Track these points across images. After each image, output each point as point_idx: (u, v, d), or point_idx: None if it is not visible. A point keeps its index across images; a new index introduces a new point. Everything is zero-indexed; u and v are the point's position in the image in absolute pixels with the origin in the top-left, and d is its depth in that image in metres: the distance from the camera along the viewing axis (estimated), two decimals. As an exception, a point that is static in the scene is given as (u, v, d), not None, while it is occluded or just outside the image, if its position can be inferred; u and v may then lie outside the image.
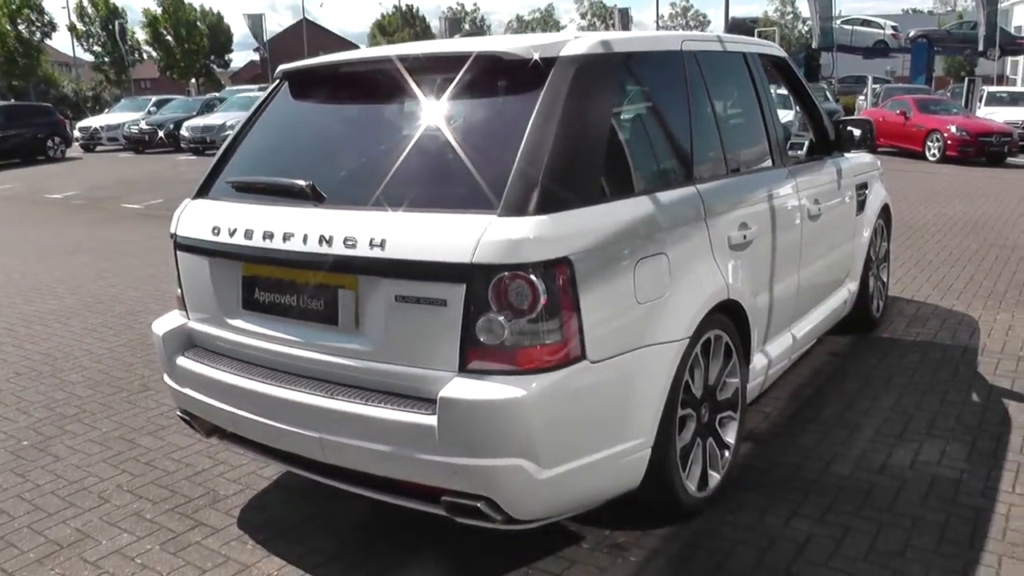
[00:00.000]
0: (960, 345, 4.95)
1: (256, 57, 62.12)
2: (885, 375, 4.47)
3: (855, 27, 34.40)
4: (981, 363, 4.64)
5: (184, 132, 21.37)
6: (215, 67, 60.94)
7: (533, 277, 2.22)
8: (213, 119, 21.38)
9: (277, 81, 3.21)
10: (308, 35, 52.58)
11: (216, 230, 2.79)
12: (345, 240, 2.43)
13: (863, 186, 4.84)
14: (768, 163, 3.66)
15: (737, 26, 33.62)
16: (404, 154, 2.55)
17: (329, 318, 2.55)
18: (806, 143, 4.31)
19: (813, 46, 34.32)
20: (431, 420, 2.29)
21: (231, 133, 3.24)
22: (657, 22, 44.52)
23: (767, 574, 2.71)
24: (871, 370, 4.56)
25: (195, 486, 3.43)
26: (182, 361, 2.96)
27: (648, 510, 2.94)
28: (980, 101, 21.31)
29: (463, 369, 2.31)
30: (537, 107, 2.43)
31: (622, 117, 2.75)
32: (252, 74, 62.66)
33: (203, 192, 3.05)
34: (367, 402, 2.42)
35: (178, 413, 3.18)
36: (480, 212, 2.30)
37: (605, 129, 2.60)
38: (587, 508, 2.67)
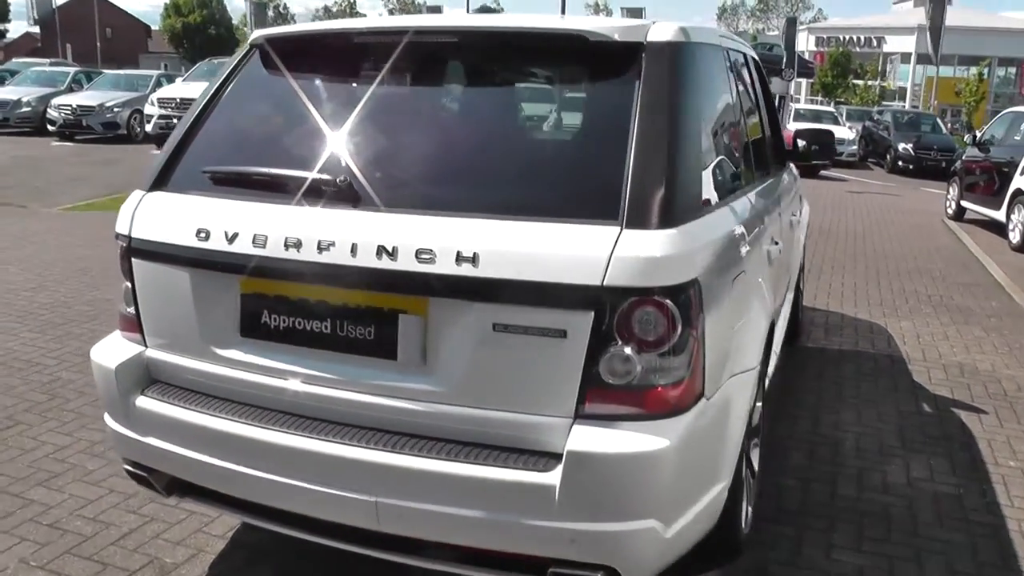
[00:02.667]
0: (884, 354, 5.11)
1: (36, 28, 55.76)
2: (834, 388, 4.48)
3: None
4: (913, 372, 4.79)
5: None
6: (-16, 37, 53.94)
7: (668, 302, 1.86)
8: (5, 94, 18.71)
9: (248, 50, 2.58)
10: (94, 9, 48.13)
11: (203, 234, 2.17)
12: (418, 253, 1.93)
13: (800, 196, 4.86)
14: (771, 170, 3.50)
15: None
16: (480, 150, 2.09)
17: (382, 350, 2.03)
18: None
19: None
20: (549, 479, 1.85)
21: (163, 113, 2.55)
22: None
23: (837, 617, 2.51)
24: (816, 382, 4.56)
25: (129, 554, 2.72)
26: (143, 402, 2.29)
27: (703, 553, 2.64)
28: (789, 117, 23.12)
29: (580, 414, 1.90)
30: (640, 99, 2.05)
31: (705, 115, 2.43)
32: (30, 47, 56.11)
33: (161, 183, 2.38)
34: (450, 457, 1.93)
35: (126, 467, 2.46)
36: (596, 223, 1.89)
37: (700, 127, 2.27)
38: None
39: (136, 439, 2.32)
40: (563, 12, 29.15)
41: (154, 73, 20.93)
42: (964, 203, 10.98)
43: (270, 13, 47.19)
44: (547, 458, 1.89)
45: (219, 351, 2.22)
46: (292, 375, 2.13)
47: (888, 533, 3.00)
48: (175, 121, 16.32)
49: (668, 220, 1.90)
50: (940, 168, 18.13)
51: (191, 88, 16.88)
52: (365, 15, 64.85)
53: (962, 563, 2.83)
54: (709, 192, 2.25)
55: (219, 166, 2.32)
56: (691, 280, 1.90)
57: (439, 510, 1.94)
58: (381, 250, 1.96)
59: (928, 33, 24.51)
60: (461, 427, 1.98)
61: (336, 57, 2.48)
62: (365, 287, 2.01)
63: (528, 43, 2.24)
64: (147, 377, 2.36)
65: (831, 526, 3.03)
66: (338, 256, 2.00)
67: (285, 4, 59.18)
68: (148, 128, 16.41)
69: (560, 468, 1.85)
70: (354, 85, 2.43)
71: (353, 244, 1.98)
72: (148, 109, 16.56)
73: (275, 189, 2.19)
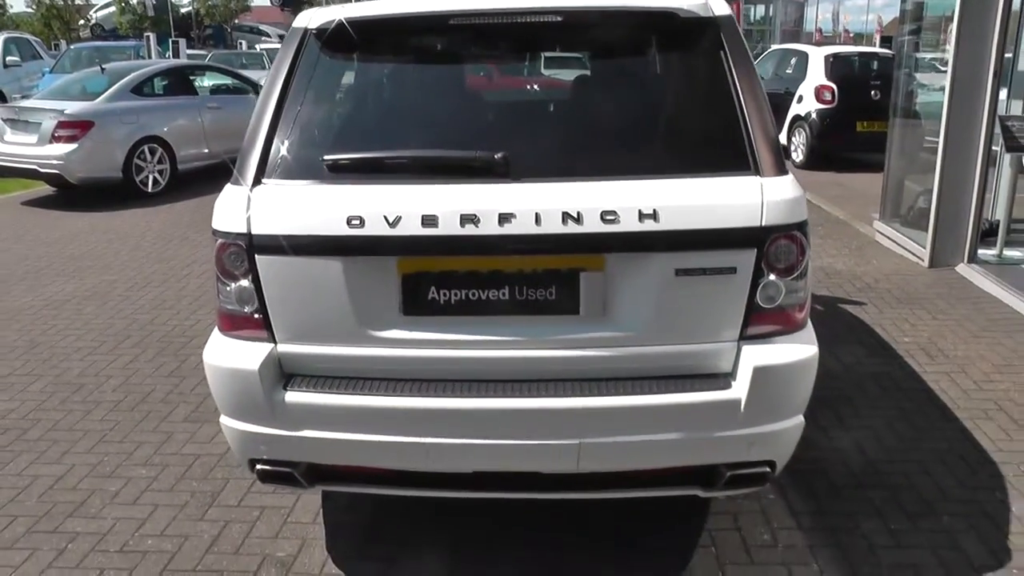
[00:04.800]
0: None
1: None
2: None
3: None
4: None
5: None
6: None
7: (799, 235, 2.24)
8: None
9: (304, 34, 2.46)
10: None
11: (356, 220, 2.17)
12: (603, 215, 2.13)
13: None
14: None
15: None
16: (619, 119, 2.30)
17: (564, 307, 2.22)
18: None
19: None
20: (735, 394, 2.19)
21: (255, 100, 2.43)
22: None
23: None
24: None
25: (236, 557, 2.69)
26: (294, 396, 2.27)
27: None
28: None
29: (743, 336, 2.25)
30: (732, 66, 2.34)
31: None
32: None
33: (262, 176, 2.30)
34: (645, 391, 2.19)
35: (261, 467, 2.41)
36: (737, 174, 2.22)
37: None
38: None
39: (286, 435, 2.31)
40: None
41: None
42: (743, 130, 12.34)
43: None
44: (721, 377, 2.24)
45: (377, 333, 2.27)
46: (465, 344, 2.25)
47: (857, 410, 3.66)
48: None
49: (782, 167, 2.28)
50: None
51: None
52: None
53: (921, 420, 3.55)
54: None
55: (345, 153, 2.29)
56: (807, 216, 2.29)
57: (638, 439, 2.22)
58: (566, 216, 2.13)
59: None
60: (642, 365, 2.25)
61: (433, 39, 2.53)
62: (547, 252, 2.18)
63: (626, 20, 2.45)
64: (281, 372, 2.34)
65: (812, 413, 3.60)
66: (521, 226, 2.14)
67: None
68: None
69: (743, 382, 2.19)
70: (463, 66, 2.50)
71: (536, 214, 2.13)
72: None
73: (420, 171, 2.27)
